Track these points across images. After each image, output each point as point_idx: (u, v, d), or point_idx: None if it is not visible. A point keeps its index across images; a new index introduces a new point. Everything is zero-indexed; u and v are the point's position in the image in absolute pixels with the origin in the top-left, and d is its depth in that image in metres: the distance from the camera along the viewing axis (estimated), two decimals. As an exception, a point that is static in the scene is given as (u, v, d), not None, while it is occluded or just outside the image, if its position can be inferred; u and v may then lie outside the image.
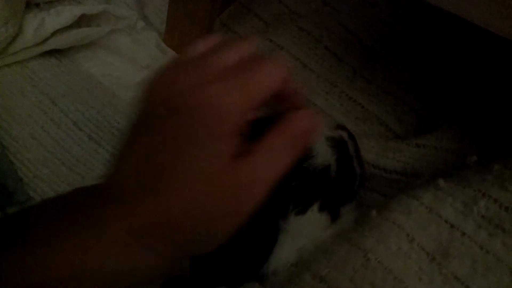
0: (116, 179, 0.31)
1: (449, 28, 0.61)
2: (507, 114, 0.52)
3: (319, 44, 0.63)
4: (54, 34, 0.58)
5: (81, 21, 0.61)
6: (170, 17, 0.60)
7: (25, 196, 0.50)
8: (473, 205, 0.38)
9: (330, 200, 0.43)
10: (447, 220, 0.38)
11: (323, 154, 0.42)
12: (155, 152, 0.30)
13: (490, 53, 0.58)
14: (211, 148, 0.29)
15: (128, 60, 0.60)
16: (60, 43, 0.59)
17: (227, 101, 0.29)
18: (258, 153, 0.30)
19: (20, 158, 0.51)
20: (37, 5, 0.62)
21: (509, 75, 0.56)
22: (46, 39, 0.58)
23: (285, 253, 0.41)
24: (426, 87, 0.61)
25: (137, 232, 0.29)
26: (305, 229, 0.42)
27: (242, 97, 0.30)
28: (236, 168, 0.29)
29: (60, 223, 0.29)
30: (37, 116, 0.54)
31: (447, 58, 0.61)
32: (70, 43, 0.59)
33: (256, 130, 0.31)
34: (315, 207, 0.42)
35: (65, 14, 0.58)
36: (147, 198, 0.29)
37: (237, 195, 0.30)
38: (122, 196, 0.30)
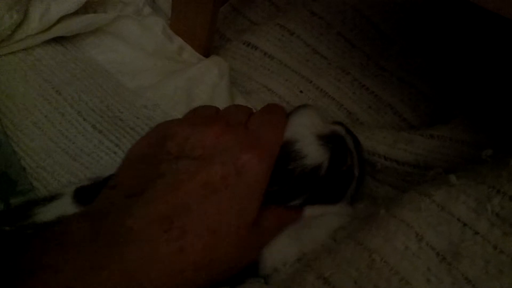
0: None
1: (468, 16, 0.59)
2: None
3: (332, 29, 0.61)
4: (59, 21, 0.57)
5: (87, 7, 0.59)
6: (175, 2, 0.58)
7: (28, 185, 0.50)
8: (487, 202, 0.35)
9: (314, 198, 0.41)
10: (459, 218, 0.36)
11: (314, 154, 0.40)
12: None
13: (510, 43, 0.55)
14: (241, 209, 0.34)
15: (134, 47, 0.59)
16: (65, 30, 0.57)
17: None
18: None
19: (23, 147, 0.51)
20: (43, -9, 0.61)
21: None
22: (52, 26, 0.57)
23: (281, 251, 0.40)
24: (442, 76, 0.59)
25: None
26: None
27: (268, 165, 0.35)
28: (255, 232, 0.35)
29: None
30: (41, 105, 0.53)
31: (465, 46, 0.58)
32: (76, 30, 0.58)
33: None
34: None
35: (71, 0, 0.57)
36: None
37: (244, 257, 0.35)
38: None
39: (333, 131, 0.43)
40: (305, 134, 0.40)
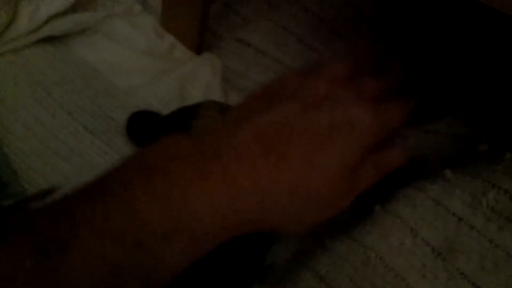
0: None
1: (463, 12, 0.58)
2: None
3: (325, 25, 0.61)
4: (49, 20, 0.56)
5: (76, 7, 0.59)
6: (165, 0, 0.57)
7: (20, 188, 0.49)
8: (482, 197, 0.35)
9: None
10: (455, 213, 0.35)
11: None
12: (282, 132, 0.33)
13: (507, 37, 0.55)
14: (343, 153, 0.34)
15: (125, 46, 0.58)
16: (55, 29, 0.57)
17: (368, 123, 0.34)
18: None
19: (13, 149, 0.50)
20: (32, -10, 0.60)
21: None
22: (41, 26, 0.56)
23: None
24: (438, 72, 0.58)
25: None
26: None
27: (380, 126, 0.35)
28: (350, 178, 0.34)
29: None
30: (31, 106, 0.52)
31: (461, 41, 0.58)
32: (66, 29, 0.57)
33: None
34: None
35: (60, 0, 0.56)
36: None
37: (337, 199, 0.34)
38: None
39: None
40: None
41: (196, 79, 0.56)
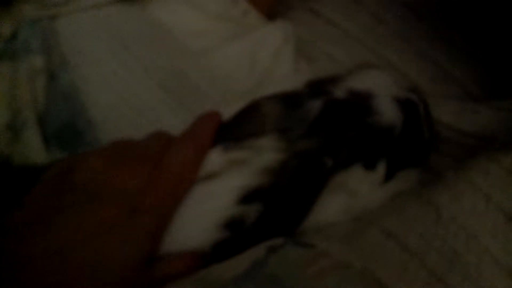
0: None
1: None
2: None
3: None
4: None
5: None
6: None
7: (93, 137, 0.51)
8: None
9: (388, 160, 0.41)
10: (528, 182, 0.35)
11: (390, 114, 0.40)
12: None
13: None
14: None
15: (199, 10, 0.59)
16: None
17: None
18: None
19: (90, 99, 0.52)
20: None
21: None
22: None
23: (328, 209, 0.40)
24: (509, 51, 0.57)
25: None
26: (348, 186, 0.40)
27: None
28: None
29: None
30: (109, 59, 0.54)
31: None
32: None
33: None
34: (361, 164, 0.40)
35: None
36: None
37: None
38: None
39: (408, 97, 0.43)
40: (381, 93, 0.40)
41: (267, 45, 0.57)
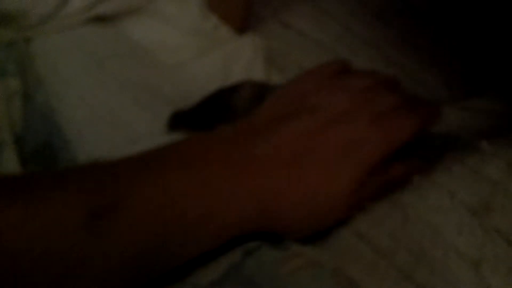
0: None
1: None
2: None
3: (365, 8, 0.62)
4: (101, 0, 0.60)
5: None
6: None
7: (71, 156, 0.52)
8: (518, 164, 0.36)
9: None
10: (490, 178, 0.37)
11: None
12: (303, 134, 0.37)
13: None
14: (355, 169, 0.36)
15: (171, 25, 0.61)
16: (107, 9, 0.60)
17: (378, 142, 0.37)
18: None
19: (66, 117, 0.53)
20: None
21: None
22: (93, 6, 0.59)
23: None
24: (476, 53, 0.59)
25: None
26: None
27: (390, 143, 0.38)
28: (357, 191, 0.36)
29: None
30: (84, 77, 0.55)
31: (496, 21, 0.59)
32: (117, 9, 0.60)
33: None
34: None
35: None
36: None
37: (342, 210, 0.37)
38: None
39: None
40: None
41: (239, 58, 0.58)
